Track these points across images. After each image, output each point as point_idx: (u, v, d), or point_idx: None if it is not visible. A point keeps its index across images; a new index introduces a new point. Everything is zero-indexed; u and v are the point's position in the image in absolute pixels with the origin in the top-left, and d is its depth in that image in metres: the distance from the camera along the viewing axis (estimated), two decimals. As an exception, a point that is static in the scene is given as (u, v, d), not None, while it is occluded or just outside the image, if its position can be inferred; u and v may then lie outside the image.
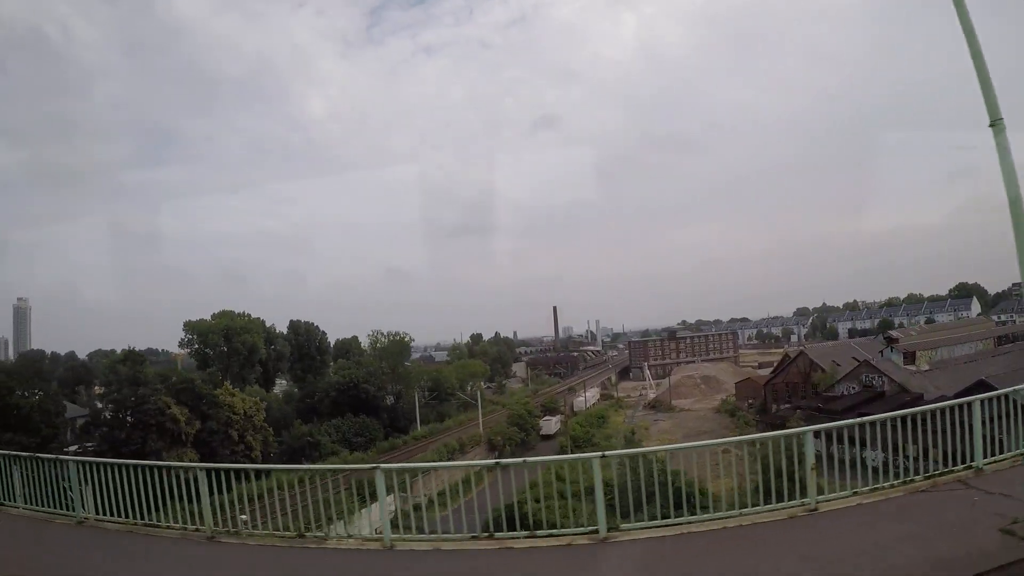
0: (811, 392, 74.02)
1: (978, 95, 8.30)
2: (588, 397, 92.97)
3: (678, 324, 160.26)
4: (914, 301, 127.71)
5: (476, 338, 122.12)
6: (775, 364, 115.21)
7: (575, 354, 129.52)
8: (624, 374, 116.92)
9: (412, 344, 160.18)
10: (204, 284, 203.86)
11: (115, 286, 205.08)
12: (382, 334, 75.02)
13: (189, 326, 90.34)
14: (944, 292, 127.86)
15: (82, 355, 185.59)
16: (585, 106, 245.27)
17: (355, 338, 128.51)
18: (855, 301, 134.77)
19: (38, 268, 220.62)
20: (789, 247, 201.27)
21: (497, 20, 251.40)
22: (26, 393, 56.35)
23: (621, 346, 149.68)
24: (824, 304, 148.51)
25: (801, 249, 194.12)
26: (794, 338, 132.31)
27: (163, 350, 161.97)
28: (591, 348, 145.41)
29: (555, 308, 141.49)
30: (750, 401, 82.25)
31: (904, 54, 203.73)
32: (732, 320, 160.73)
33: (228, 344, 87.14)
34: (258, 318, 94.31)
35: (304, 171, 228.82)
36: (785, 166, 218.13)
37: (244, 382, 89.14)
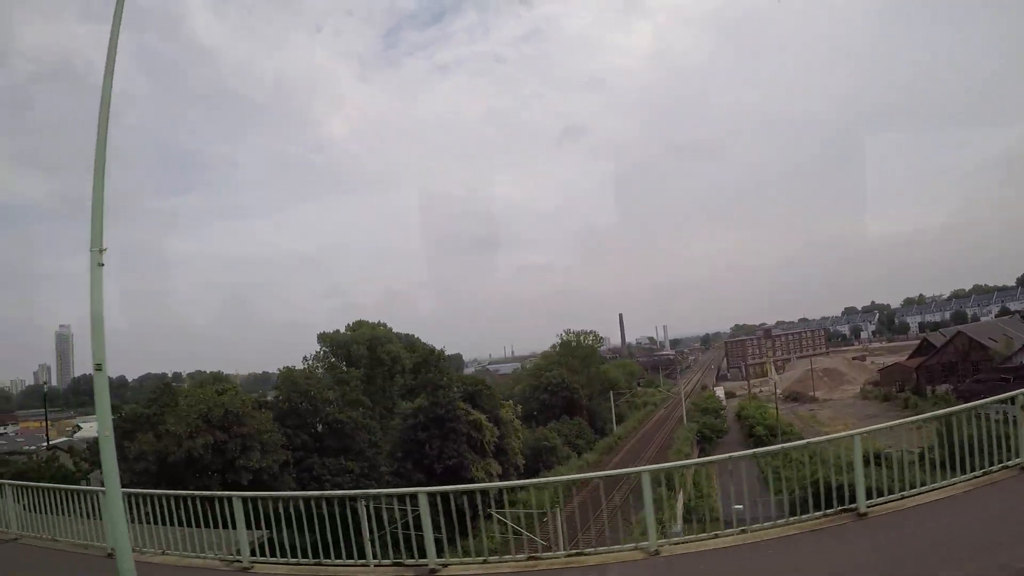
0: (971, 369, 76.59)
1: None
2: (718, 394, 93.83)
3: (731, 328, 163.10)
4: (982, 292, 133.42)
5: (565, 345, 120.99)
6: (863, 356, 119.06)
7: (671, 357, 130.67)
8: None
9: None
10: (231, 306, 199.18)
11: (146, 312, 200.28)
12: (572, 333, 73.88)
13: (325, 338, 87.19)
14: (992, 283, 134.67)
15: (130, 379, 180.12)
16: (604, 116, 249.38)
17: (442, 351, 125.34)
18: (920, 295, 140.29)
19: (72, 296, 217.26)
20: (826, 249, 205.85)
21: (513, 35, 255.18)
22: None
23: (686, 350, 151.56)
24: (873, 302, 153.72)
25: (837, 250, 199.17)
26: (864, 335, 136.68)
27: (210, 371, 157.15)
28: (665, 352, 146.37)
29: (621, 316, 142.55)
30: (899, 385, 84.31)
31: (939, 46, 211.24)
32: (779, 323, 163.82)
33: (372, 355, 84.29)
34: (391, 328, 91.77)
35: (323, 191, 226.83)
36: (820, 165, 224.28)
37: (387, 396, 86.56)
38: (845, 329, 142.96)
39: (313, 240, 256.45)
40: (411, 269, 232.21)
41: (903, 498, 8.99)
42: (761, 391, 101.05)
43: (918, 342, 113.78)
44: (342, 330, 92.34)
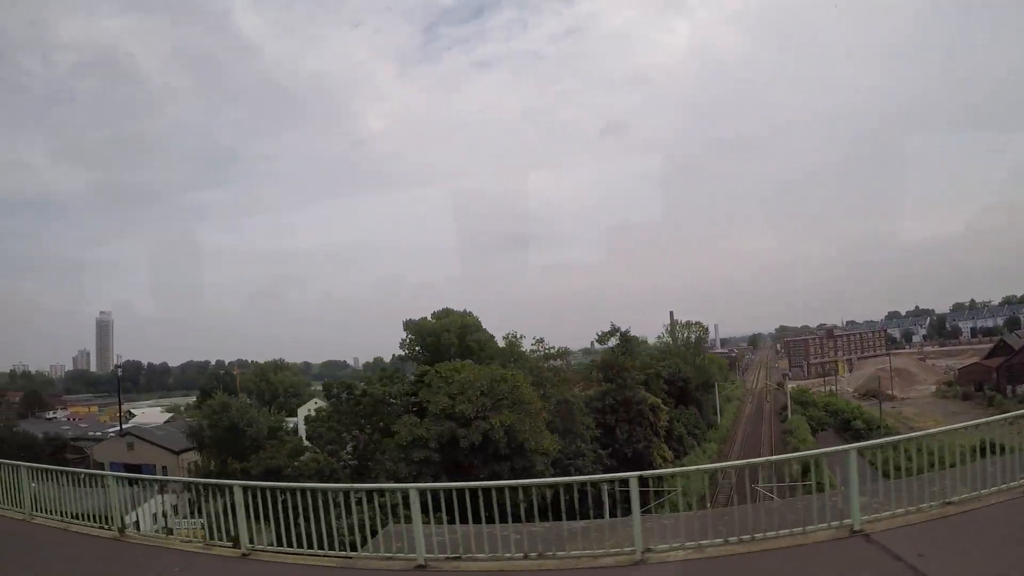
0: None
1: None
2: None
3: (775, 329, 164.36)
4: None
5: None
6: (923, 359, 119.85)
7: (732, 355, 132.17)
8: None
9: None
10: (266, 298, 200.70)
11: (186, 302, 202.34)
12: (680, 323, 74.49)
13: (410, 326, 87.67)
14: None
15: (172, 365, 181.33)
16: (643, 113, 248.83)
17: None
18: (972, 300, 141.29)
19: (105, 284, 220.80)
20: (865, 252, 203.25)
21: (552, 32, 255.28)
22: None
23: (735, 350, 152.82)
24: (917, 307, 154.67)
25: (877, 253, 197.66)
26: (916, 338, 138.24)
27: (252, 361, 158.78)
28: (721, 351, 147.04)
29: (671, 313, 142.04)
30: (977, 384, 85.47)
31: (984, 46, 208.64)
32: (820, 325, 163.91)
33: (461, 343, 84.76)
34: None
35: (359, 186, 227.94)
36: (859, 165, 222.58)
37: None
38: (896, 333, 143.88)
39: (347, 235, 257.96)
40: (443, 265, 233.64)
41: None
42: (834, 389, 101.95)
43: (973, 346, 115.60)
44: (407, 320, 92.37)
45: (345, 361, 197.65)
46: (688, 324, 73.91)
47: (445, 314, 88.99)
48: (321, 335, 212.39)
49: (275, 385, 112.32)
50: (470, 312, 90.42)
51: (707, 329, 79.01)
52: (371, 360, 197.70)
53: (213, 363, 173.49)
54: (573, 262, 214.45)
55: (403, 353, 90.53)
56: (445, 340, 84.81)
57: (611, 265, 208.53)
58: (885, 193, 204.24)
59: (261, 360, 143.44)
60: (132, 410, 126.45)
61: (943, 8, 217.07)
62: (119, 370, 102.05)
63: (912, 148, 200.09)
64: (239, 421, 65.49)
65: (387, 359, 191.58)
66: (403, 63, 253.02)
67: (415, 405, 37.34)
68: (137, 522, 12.47)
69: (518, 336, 75.88)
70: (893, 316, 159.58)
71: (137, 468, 59.00)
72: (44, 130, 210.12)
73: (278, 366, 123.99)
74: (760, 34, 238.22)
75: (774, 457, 11.34)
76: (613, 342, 53.64)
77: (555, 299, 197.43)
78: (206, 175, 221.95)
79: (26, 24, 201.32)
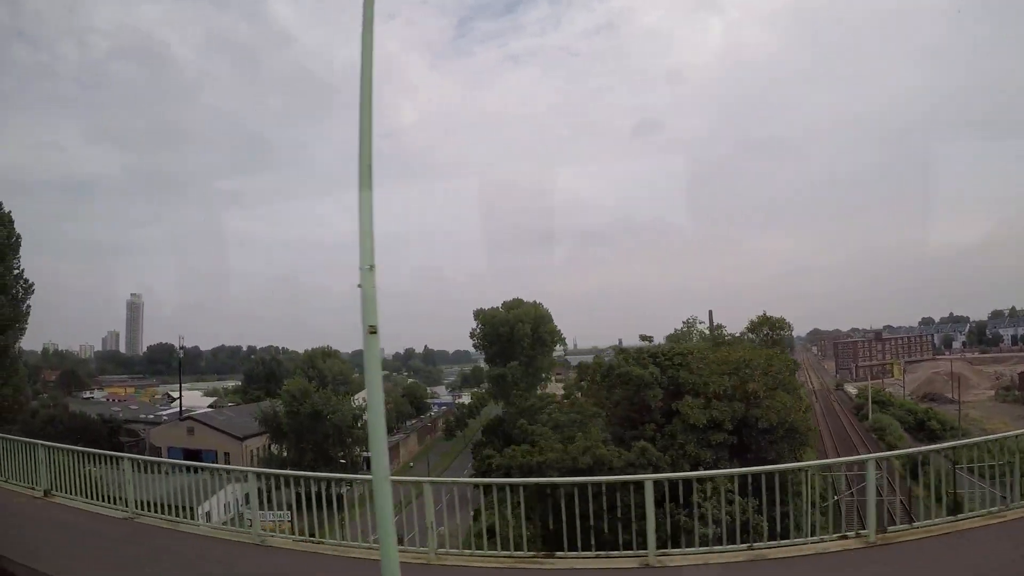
0: None
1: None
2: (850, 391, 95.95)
3: (808, 332, 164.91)
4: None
5: (672, 338, 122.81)
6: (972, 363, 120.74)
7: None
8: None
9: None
10: (284, 287, 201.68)
11: (215, 287, 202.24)
12: (762, 317, 74.56)
13: (481, 315, 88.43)
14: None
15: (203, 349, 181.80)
16: (673, 112, 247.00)
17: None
18: (1013, 308, 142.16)
19: (136, 267, 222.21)
20: (896, 257, 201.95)
21: (584, 28, 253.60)
22: None
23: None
24: (952, 313, 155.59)
25: (908, 258, 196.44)
26: (955, 344, 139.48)
27: (283, 348, 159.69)
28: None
29: (711, 312, 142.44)
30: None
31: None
32: (853, 329, 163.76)
33: (534, 335, 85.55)
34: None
35: (389, 179, 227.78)
36: (893, 170, 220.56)
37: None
38: (935, 339, 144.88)
39: (375, 226, 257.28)
40: (465, 258, 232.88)
41: None
42: (893, 392, 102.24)
43: (1016, 353, 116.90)
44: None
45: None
46: (772, 320, 74.18)
47: (516, 304, 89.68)
48: (346, 324, 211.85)
49: (324, 372, 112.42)
50: (540, 303, 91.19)
51: (791, 326, 79.21)
52: (401, 351, 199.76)
53: (244, 348, 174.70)
54: (596, 259, 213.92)
55: (474, 343, 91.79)
56: (519, 331, 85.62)
57: (636, 264, 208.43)
58: (915, 197, 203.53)
59: (291, 348, 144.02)
60: (171, 393, 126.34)
61: (979, 9, 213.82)
62: (181, 351, 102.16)
63: (943, 152, 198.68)
64: (323, 408, 65.39)
65: (419, 350, 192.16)
66: (435, 55, 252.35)
67: (674, 386, 36.76)
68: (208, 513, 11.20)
69: (696, 321, 77.66)
70: (927, 322, 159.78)
71: (197, 454, 58.95)
72: (79, 114, 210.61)
73: (326, 353, 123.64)
74: (794, 34, 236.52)
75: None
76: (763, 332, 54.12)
77: (574, 296, 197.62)
78: (237, 162, 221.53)
79: (63, 10, 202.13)
